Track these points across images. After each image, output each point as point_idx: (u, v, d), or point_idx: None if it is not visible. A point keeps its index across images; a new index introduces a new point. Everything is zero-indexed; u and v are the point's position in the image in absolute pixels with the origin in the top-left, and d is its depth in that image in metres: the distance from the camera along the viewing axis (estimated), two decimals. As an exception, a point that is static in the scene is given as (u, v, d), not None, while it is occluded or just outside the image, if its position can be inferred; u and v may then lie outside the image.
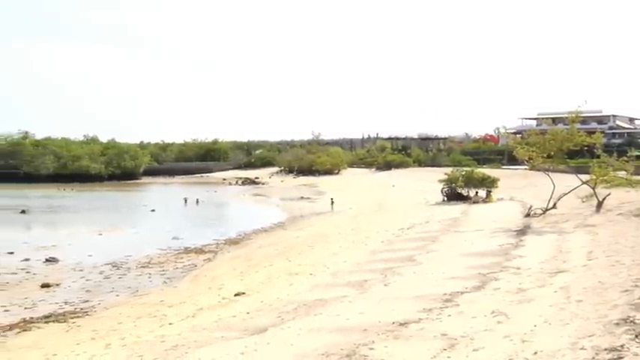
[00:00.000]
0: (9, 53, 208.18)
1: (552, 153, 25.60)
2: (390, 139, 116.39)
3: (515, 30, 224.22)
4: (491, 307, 10.24)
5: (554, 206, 24.31)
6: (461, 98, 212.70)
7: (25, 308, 16.70)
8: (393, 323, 9.90)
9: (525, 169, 33.22)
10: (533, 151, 25.78)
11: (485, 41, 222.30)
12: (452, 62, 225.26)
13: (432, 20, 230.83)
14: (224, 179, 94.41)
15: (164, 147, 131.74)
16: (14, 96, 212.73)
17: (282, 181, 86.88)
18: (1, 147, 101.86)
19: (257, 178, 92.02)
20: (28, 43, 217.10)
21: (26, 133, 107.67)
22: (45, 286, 19.52)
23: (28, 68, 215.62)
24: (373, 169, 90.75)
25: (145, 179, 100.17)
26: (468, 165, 54.34)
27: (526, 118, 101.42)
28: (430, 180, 46.59)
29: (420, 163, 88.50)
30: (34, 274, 21.83)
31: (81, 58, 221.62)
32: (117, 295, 18.27)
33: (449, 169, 42.48)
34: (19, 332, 14.09)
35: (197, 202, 54.20)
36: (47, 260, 24.35)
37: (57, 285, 19.71)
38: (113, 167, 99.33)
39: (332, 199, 48.11)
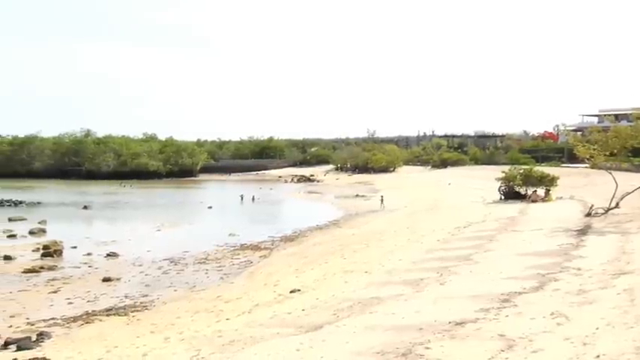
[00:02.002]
0: (73, 55, 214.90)
1: (615, 151, 24.90)
2: (446, 136, 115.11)
3: (576, 24, 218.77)
4: (551, 309, 10.02)
5: (616, 206, 23.63)
6: (519, 95, 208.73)
7: (88, 301, 17.18)
8: (450, 323, 9.79)
9: (586, 167, 32.41)
10: (594, 149, 25.14)
11: (546, 36, 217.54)
12: (511, 58, 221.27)
13: (491, 14, 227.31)
14: (279, 177, 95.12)
15: (221, 145, 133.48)
16: (78, 96, 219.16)
17: (337, 179, 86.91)
18: (65, 145, 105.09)
19: (312, 175, 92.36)
20: (91, 45, 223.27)
21: (88, 131, 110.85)
22: (106, 280, 20.04)
23: (91, 69, 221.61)
24: (429, 167, 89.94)
25: (202, 176, 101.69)
26: (526, 163, 53.40)
27: (587, 115, 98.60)
28: (487, 178, 45.89)
29: (476, 161, 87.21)
30: (96, 268, 22.44)
31: (141, 58, 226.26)
32: (175, 290, 18.60)
33: (506, 167, 41.76)
34: (83, 324, 14.50)
35: (253, 199, 54.77)
36: (108, 255, 25.00)
37: (117, 279, 20.21)
38: (171, 164, 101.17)
39: (382, 196, 47.96)
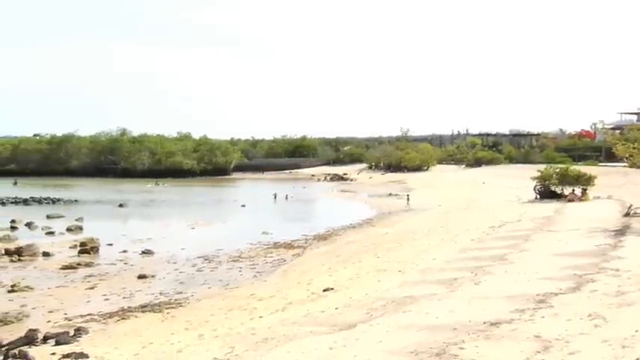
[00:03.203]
0: (110, 55, 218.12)
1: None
2: (480, 135, 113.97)
3: (614, 19, 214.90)
4: (588, 310, 9.86)
5: (656, 205, 23.17)
6: (555, 93, 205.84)
7: (124, 298, 17.41)
8: (484, 323, 9.69)
9: (624, 166, 31.80)
10: (633, 148, 24.67)
11: (584, 31, 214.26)
12: (547, 54, 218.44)
13: (528, 9, 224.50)
14: (312, 175, 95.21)
15: (254, 143, 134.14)
16: (114, 95, 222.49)
17: (370, 178, 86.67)
18: (102, 144, 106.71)
19: (345, 174, 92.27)
20: (127, 45, 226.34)
21: (124, 130, 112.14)
22: (141, 277, 20.28)
23: (127, 69, 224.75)
24: (463, 166, 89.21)
25: (235, 175, 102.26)
26: (563, 162, 52.68)
27: (626, 113, 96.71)
28: (522, 177, 45.34)
29: (511, 160, 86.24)
30: (132, 265, 22.74)
31: (175, 58, 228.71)
32: (209, 288, 18.75)
33: (542, 166, 41.23)
34: (119, 320, 14.70)
35: (286, 197, 54.94)
36: (143, 252, 25.30)
37: (152, 276, 20.44)
38: (205, 163, 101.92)
39: (408, 195, 47.76)
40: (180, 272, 21.34)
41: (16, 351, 11.44)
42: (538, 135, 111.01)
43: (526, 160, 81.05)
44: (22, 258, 23.93)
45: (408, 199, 45.84)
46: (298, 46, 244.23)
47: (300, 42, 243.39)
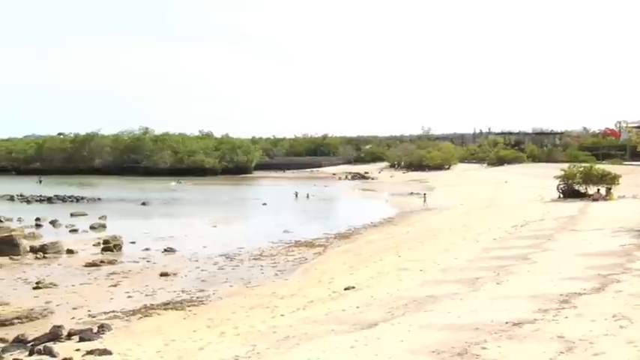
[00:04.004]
0: (132, 55, 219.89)
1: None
2: (502, 133, 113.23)
3: (636, 17, 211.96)
4: (613, 311, 9.75)
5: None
6: (579, 90, 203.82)
7: (146, 295, 17.52)
8: (507, 323, 9.63)
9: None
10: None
11: (607, 30, 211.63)
12: (570, 52, 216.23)
13: (550, 7, 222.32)
14: (334, 174, 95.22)
15: (275, 142, 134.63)
16: (136, 95, 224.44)
17: (391, 176, 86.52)
18: (124, 142, 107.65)
19: (366, 173, 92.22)
20: (149, 45, 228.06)
21: (146, 129, 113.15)
22: (164, 274, 20.39)
23: (149, 69, 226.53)
24: (485, 165, 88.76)
25: (256, 173, 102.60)
26: (586, 161, 52.14)
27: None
28: (545, 176, 44.97)
29: (534, 159, 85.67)
30: (154, 263, 22.88)
31: (197, 57, 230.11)
32: (230, 286, 18.80)
33: (565, 165, 40.86)
34: (141, 317, 14.80)
35: (307, 196, 55.01)
36: (165, 250, 25.44)
37: (174, 274, 20.53)
38: (226, 161, 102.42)
39: (424, 194, 47.58)
40: (202, 270, 21.42)
41: (41, 347, 11.57)
42: (561, 133, 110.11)
43: (549, 158, 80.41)
44: (46, 255, 24.20)
45: (424, 198, 45.63)
46: (320, 46, 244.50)
47: (323, 41, 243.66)
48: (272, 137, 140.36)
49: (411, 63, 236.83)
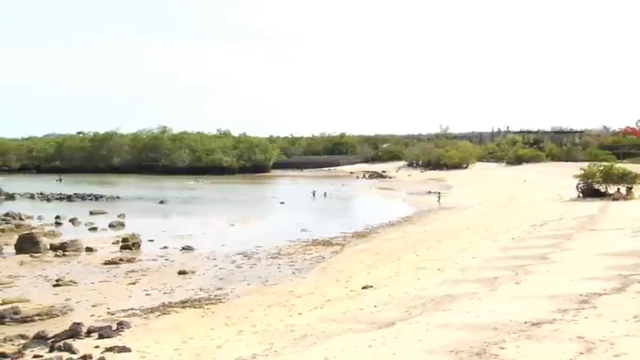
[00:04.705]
0: (149, 55, 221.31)
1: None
2: (521, 132, 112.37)
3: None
4: (634, 311, 9.65)
5: None
6: (599, 89, 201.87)
7: (164, 293, 17.61)
8: (525, 323, 9.57)
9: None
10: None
11: (626, 27, 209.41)
12: (590, 50, 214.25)
13: (570, 4, 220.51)
14: (351, 173, 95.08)
15: (293, 141, 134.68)
16: (154, 94, 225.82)
17: (409, 175, 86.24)
18: (142, 141, 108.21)
19: (384, 171, 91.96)
20: (167, 45, 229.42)
21: (164, 128, 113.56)
22: (182, 273, 20.49)
23: (167, 68, 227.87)
24: (503, 164, 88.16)
25: (274, 172, 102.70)
26: (606, 160, 51.63)
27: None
28: (564, 175, 44.66)
29: (553, 158, 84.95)
30: (172, 261, 22.99)
31: (214, 56, 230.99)
32: (248, 284, 18.84)
33: (585, 164, 40.52)
34: (160, 315, 14.88)
35: (325, 195, 55.01)
36: (183, 248, 25.55)
37: (192, 272, 20.62)
38: (244, 160, 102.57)
39: (439, 193, 47.35)
40: (220, 268, 21.50)
41: (61, 343, 11.68)
42: (581, 132, 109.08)
43: (568, 157, 79.75)
44: (66, 253, 24.43)
45: (439, 197, 45.42)
46: (338, 45, 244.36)
47: (341, 41, 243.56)
48: (290, 136, 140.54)
49: (429, 61, 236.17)
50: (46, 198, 53.34)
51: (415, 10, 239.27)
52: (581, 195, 36.26)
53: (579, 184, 37.13)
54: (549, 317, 9.79)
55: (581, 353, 7.89)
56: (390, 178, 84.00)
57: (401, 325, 10.62)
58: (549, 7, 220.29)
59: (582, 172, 37.42)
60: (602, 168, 37.08)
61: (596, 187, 36.22)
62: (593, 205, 30.47)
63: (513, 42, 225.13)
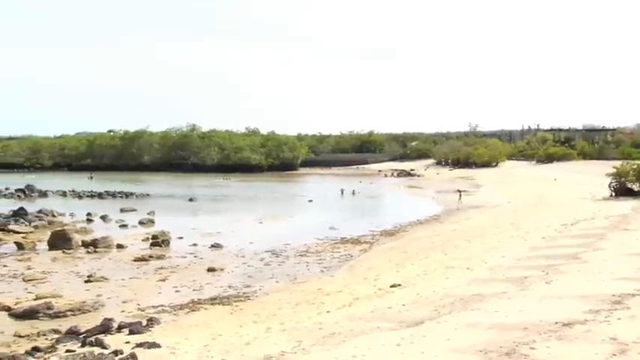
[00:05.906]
0: (178, 54, 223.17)
1: None
2: (551, 130, 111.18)
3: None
4: (668, 312, 9.49)
5: None
6: (632, 85, 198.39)
7: (194, 290, 17.75)
8: (556, 323, 9.46)
9: None
10: None
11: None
12: (622, 47, 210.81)
13: (598, 2, 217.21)
14: (379, 171, 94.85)
15: (321, 139, 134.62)
16: (183, 93, 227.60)
17: (437, 174, 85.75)
18: (172, 139, 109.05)
19: (412, 170, 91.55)
20: (196, 44, 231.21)
21: (194, 126, 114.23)
22: (211, 270, 20.63)
23: (196, 68, 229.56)
24: (533, 162, 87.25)
25: (302, 170, 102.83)
26: (640, 158, 50.78)
27: None
28: (596, 174, 44.06)
29: (584, 156, 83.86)
30: (201, 258, 23.15)
31: (243, 55, 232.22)
32: (276, 282, 18.91)
33: (618, 163, 39.91)
34: (189, 312, 15.01)
35: (353, 193, 54.96)
36: (212, 246, 25.72)
37: (221, 270, 20.75)
38: (272, 158, 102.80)
39: (460, 192, 46.98)
40: (249, 266, 21.60)
41: (92, 338, 11.84)
42: (613, 130, 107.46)
43: (600, 156, 78.67)
44: (97, 250, 24.78)
45: (460, 196, 45.02)
46: (365, 44, 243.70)
47: (367, 39, 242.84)
48: (318, 134, 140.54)
49: (458, 58, 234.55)
50: (78, 195, 54.12)
51: (445, 7, 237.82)
52: (613, 194, 35.75)
53: (612, 182, 36.60)
54: (581, 318, 9.66)
55: (614, 355, 7.77)
56: (419, 176, 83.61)
57: (429, 324, 10.57)
58: (581, 2, 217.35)
59: (615, 170, 36.87)
60: (635, 166, 36.49)
61: (629, 185, 35.67)
62: (626, 205, 30.01)
63: (545, 39, 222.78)
